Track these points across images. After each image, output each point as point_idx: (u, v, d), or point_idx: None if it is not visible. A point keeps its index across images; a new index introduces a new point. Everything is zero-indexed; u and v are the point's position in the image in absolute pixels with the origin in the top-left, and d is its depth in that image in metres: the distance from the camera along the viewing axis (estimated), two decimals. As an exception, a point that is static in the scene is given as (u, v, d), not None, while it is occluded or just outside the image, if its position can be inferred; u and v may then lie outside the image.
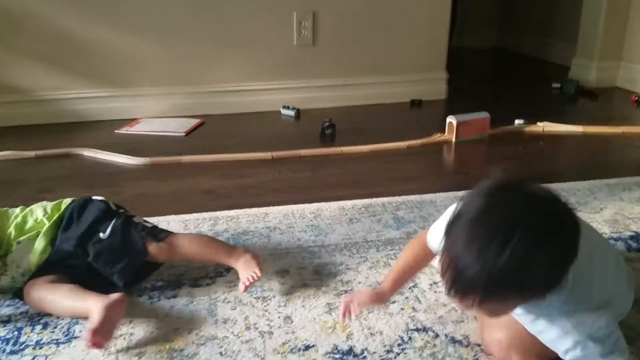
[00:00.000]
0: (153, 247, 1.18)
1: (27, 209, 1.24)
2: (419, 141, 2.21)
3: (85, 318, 1.07)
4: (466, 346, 1.03)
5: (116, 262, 1.16)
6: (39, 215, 1.22)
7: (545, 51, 3.93)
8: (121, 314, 1.06)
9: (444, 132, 2.26)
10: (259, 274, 1.16)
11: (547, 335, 0.86)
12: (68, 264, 1.17)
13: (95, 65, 2.53)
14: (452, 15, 2.85)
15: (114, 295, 1.05)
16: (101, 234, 1.18)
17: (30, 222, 1.20)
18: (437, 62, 2.87)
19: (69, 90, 2.54)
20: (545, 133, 2.33)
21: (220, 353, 1.01)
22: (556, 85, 3.06)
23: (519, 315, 0.88)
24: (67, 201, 1.26)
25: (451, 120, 2.22)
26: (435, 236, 0.97)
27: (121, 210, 1.28)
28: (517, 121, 2.40)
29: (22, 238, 1.18)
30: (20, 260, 1.17)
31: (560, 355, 0.86)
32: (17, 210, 1.24)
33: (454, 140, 2.22)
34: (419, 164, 2.03)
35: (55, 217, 1.21)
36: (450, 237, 0.78)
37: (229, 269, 1.29)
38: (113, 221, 1.20)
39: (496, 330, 0.97)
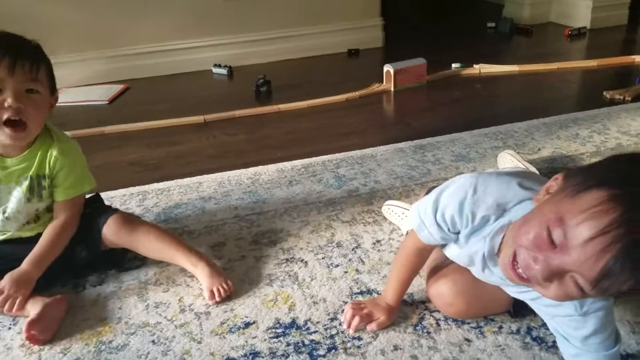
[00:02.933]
0: (111, 227, 1.08)
1: None
2: (357, 93, 2.14)
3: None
4: (410, 304, 1.00)
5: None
6: None
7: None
8: (62, 312, 1.00)
9: (382, 82, 2.19)
10: (230, 289, 1.04)
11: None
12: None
13: (7, 29, 2.26)
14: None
15: (57, 296, 1.00)
16: None
17: None
18: (371, 8, 2.77)
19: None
20: (482, 75, 2.31)
21: (153, 341, 0.94)
22: (491, 24, 3.03)
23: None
24: None
25: (388, 68, 2.16)
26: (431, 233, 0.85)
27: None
28: (454, 65, 2.36)
29: None
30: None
31: (577, 340, 0.79)
32: None
33: (392, 89, 2.16)
34: (358, 117, 1.97)
35: None
36: None
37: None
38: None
39: (440, 283, 0.95)
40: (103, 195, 1.44)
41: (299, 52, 2.68)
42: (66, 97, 2.27)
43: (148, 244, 1.09)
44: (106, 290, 1.08)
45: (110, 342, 0.94)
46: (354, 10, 2.73)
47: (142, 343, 0.93)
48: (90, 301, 1.05)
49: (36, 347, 0.94)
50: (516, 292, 0.85)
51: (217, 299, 1.01)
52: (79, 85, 2.40)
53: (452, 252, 0.88)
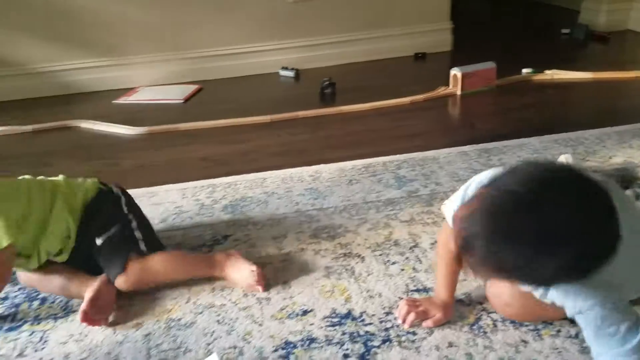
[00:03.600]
0: (122, 280, 1.06)
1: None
2: (422, 96, 2.14)
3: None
4: (467, 305, 1.01)
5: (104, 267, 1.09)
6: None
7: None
8: (113, 295, 1.06)
9: (449, 85, 2.18)
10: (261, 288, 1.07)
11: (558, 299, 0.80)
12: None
13: (90, 34, 2.46)
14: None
15: (104, 277, 1.06)
16: (97, 240, 1.09)
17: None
18: (440, 11, 2.75)
19: (64, 61, 2.49)
20: (554, 81, 2.24)
21: (218, 321, 1.00)
22: (565, 30, 2.92)
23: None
24: (83, 186, 1.15)
25: (455, 72, 2.14)
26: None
27: (126, 211, 1.16)
28: (524, 70, 2.31)
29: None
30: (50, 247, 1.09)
31: (572, 311, 0.80)
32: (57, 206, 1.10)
33: (458, 93, 2.14)
34: (422, 119, 1.97)
35: (76, 213, 1.11)
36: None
37: (226, 237, 1.28)
38: (112, 229, 1.11)
39: (500, 283, 0.94)
40: (176, 187, 1.55)
41: (365, 55, 2.71)
42: (143, 95, 2.43)
43: (166, 275, 1.09)
44: (176, 273, 1.15)
45: (179, 319, 1.01)
46: (423, 14, 2.73)
47: (208, 322, 1.00)
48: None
49: (112, 320, 1.02)
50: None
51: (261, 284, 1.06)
52: (157, 84, 2.55)
53: None
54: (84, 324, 1.00)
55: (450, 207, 0.89)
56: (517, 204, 0.66)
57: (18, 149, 1.96)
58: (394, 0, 2.67)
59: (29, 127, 2.09)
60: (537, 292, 0.82)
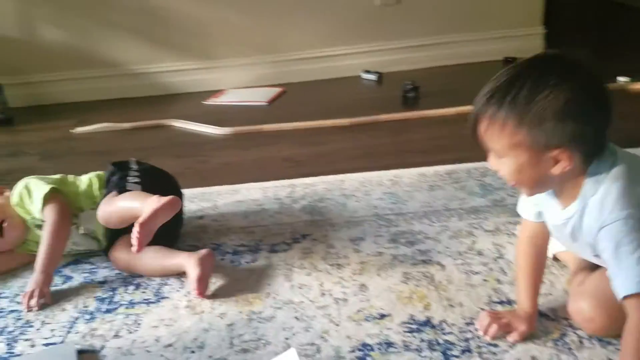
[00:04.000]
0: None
1: (88, 177, 1.33)
2: (509, 102, 2.05)
3: (177, 275, 1.15)
4: (553, 320, 0.96)
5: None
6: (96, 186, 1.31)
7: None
8: (212, 266, 1.15)
9: (538, 92, 2.08)
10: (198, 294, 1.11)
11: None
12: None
13: (184, 39, 2.62)
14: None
15: (203, 251, 1.15)
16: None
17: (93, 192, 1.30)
18: (533, 15, 2.63)
19: (159, 63, 2.66)
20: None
21: (296, 317, 1.02)
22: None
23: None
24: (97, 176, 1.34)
25: (546, 78, 2.04)
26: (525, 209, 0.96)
27: (131, 169, 1.31)
28: (620, 78, 2.15)
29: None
30: (87, 225, 1.28)
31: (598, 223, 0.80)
32: (83, 177, 1.34)
33: (549, 100, 2.04)
34: (508, 126, 1.89)
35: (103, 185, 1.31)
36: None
37: (305, 236, 1.30)
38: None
39: (579, 298, 0.91)
40: (258, 185, 1.60)
41: (450, 59, 2.66)
42: (230, 97, 2.54)
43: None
44: (258, 267, 1.20)
45: (260, 312, 1.05)
46: (514, 18, 2.63)
47: (287, 317, 1.02)
48: (245, 276, 1.17)
49: (199, 309, 1.08)
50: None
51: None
52: (243, 86, 2.65)
53: (552, 228, 0.91)
54: (173, 310, 1.07)
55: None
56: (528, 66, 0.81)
57: (116, 144, 2.12)
58: (483, 3, 2.60)
59: (127, 125, 2.25)
60: (590, 236, 0.82)
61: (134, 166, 1.31)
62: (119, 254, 1.21)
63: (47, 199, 1.21)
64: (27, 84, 2.65)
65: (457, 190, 1.46)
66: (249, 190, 1.58)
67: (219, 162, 1.85)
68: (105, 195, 1.24)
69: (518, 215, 1.27)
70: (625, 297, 0.77)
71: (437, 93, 2.26)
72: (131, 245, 1.09)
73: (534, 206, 0.93)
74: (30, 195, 1.25)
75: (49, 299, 1.14)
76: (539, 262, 0.96)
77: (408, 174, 1.58)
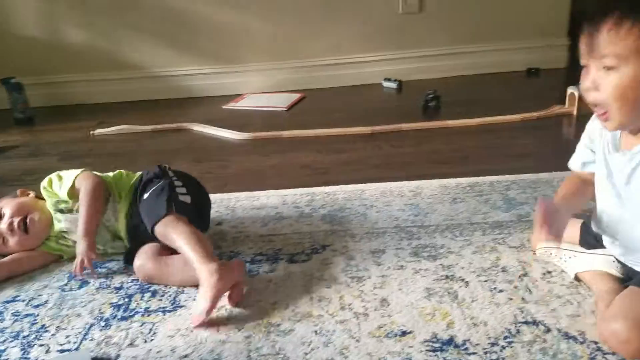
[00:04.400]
0: (162, 225, 1.15)
1: (118, 171, 1.36)
2: (535, 114, 2.02)
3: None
4: (581, 343, 0.92)
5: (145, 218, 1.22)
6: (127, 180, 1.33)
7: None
8: (234, 278, 1.08)
9: (564, 104, 2.04)
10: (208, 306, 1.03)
11: None
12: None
13: (205, 43, 2.62)
14: (576, -28, 2.55)
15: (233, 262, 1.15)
16: (144, 195, 1.25)
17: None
18: (557, 26, 2.59)
19: (181, 67, 2.67)
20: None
21: (315, 332, 1.00)
22: None
23: None
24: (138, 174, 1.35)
25: (573, 90, 2.00)
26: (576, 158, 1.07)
27: (171, 175, 1.30)
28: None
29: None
30: (109, 218, 1.29)
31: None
32: (110, 173, 1.36)
33: (575, 113, 1.99)
34: (534, 139, 1.86)
35: (132, 183, 1.31)
36: None
37: (324, 246, 1.28)
38: (157, 184, 1.25)
39: (611, 320, 0.88)
40: (277, 193, 1.58)
41: (472, 68, 2.62)
42: (250, 102, 2.53)
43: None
44: (277, 277, 1.17)
45: (279, 325, 1.02)
46: (538, 29, 2.59)
47: (306, 331, 1.00)
48: (263, 286, 1.15)
49: (216, 319, 1.05)
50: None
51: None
52: (262, 91, 2.65)
53: (598, 172, 0.97)
54: (190, 319, 1.05)
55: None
56: None
57: (136, 147, 2.12)
58: (507, 12, 2.56)
59: (148, 127, 2.26)
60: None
61: (171, 173, 1.30)
62: (145, 262, 1.18)
63: (79, 176, 1.27)
64: (49, 84, 2.68)
65: (480, 203, 1.43)
66: (268, 198, 1.56)
67: (238, 167, 1.83)
68: (142, 194, 1.24)
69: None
70: None
71: (458, 103, 2.23)
72: (156, 254, 1.12)
73: (586, 154, 1.02)
74: (61, 179, 1.29)
75: (96, 258, 1.21)
76: (581, 189, 1.03)
77: (429, 185, 1.55)
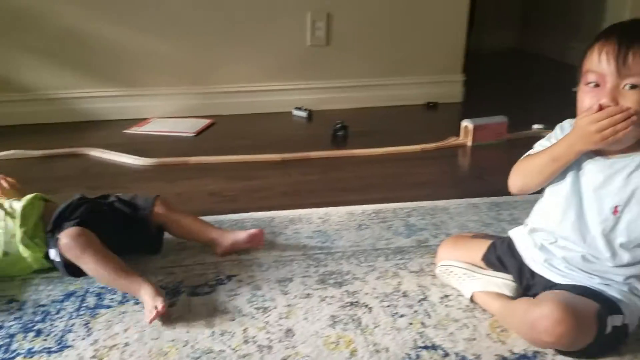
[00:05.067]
0: (68, 235, 1.16)
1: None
2: (433, 145, 2.14)
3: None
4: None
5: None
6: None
7: (566, 54, 3.81)
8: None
9: (459, 136, 2.18)
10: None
11: None
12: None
13: (105, 64, 2.50)
14: (470, 16, 2.77)
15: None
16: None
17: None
18: (453, 63, 2.79)
19: (78, 89, 2.52)
20: (565, 138, 2.24)
21: (216, 367, 0.96)
22: (575, 89, 2.93)
23: None
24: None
25: (467, 123, 2.15)
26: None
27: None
28: (535, 126, 2.31)
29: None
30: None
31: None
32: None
33: (469, 144, 2.14)
34: (432, 168, 1.96)
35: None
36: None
37: (230, 277, 1.24)
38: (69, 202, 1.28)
39: (544, 304, 0.93)
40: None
41: (378, 101, 2.74)
42: (155, 127, 2.44)
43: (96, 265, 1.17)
44: (176, 312, 1.12)
45: (176, 363, 0.97)
46: (437, 65, 2.77)
47: (206, 368, 0.96)
48: (160, 322, 1.09)
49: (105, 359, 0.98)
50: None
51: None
52: (169, 116, 2.57)
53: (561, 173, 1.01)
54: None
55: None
56: None
57: (25, 173, 1.94)
58: (408, 50, 2.72)
59: (37, 152, 2.09)
60: None
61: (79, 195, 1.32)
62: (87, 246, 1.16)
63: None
64: None
65: (384, 229, 1.47)
66: (171, 227, 1.50)
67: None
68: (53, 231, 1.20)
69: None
70: None
71: (364, 133, 2.31)
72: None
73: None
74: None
75: None
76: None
77: (337, 212, 1.57)
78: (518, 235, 1.14)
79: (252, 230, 1.33)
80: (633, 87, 0.89)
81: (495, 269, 1.13)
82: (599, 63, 0.91)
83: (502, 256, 1.13)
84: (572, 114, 1.06)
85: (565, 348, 0.94)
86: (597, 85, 0.92)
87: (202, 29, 2.53)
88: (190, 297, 1.17)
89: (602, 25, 3.11)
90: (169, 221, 1.34)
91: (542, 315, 0.91)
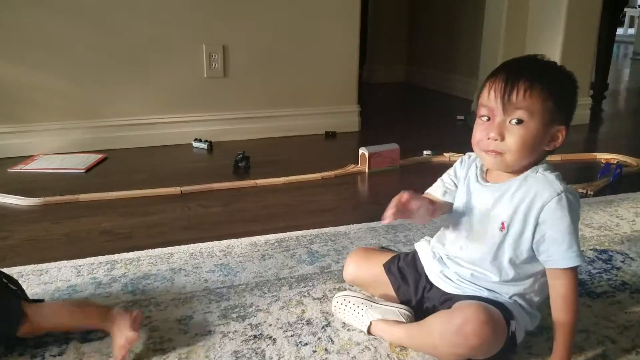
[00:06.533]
0: (27, 326, 1.04)
1: None
2: (333, 172, 2.20)
3: None
4: (380, 386, 0.99)
5: None
6: None
7: (449, 85, 4.17)
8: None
9: (358, 164, 2.27)
10: (133, 337, 1.02)
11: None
12: None
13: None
14: (361, 52, 2.94)
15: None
16: None
17: None
18: (349, 95, 2.92)
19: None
20: (451, 162, 2.40)
21: (110, 418, 0.89)
22: (460, 117, 3.22)
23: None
24: None
25: (363, 151, 2.25)
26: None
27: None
28: (425, 152, 2.48)
29: None
30: None
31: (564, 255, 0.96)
32: None
33: (366, 171, 2.24)
34: (333, 195, 2.02)
35: None
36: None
37: (125, 319, 1.17)
38: None
39: (466, 308, 0.96)
40: (70, 264, 1.42)
41: (278, 131, 2.78)
42: (42, 164, 2.28)
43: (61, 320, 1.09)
44: (65, 362, 1.03)
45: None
46: (333, 96, 2.88)
47: (98, 419, 0.89)
48: (46, 373, 1.00)
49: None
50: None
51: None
52: (57, 152, 2.41)
53: (459, 200, 1.12)
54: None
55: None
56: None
57: None
58: (305, 82, 2.81)
59: None
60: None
61: None
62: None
63: None
64: None
65: (287, 258, 1.48)
66: (60, 270, 1.39)
67: (23, 237, 1.60)
68: None
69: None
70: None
71: (266, 163, 2.33)
72: None
73: (449, 185, 1.17)
74: None
75: None
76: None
77: (240, 244, 1.56)
78: (422, 247, 1.21)
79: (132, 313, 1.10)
80: (519, 122, 0.96)
81: (393, 279, 1.18)
82: (488, 99, 0.97)
83: (404, 268, 1.19)
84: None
85: (485, 353, 0.96)
86: (489, 119, 0.97)
87: (92, 59, 2.43)
88: (80, 344, 1.08)
89: (478, 61, 3.44)
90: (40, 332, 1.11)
91: (467, 318, 0.94)
